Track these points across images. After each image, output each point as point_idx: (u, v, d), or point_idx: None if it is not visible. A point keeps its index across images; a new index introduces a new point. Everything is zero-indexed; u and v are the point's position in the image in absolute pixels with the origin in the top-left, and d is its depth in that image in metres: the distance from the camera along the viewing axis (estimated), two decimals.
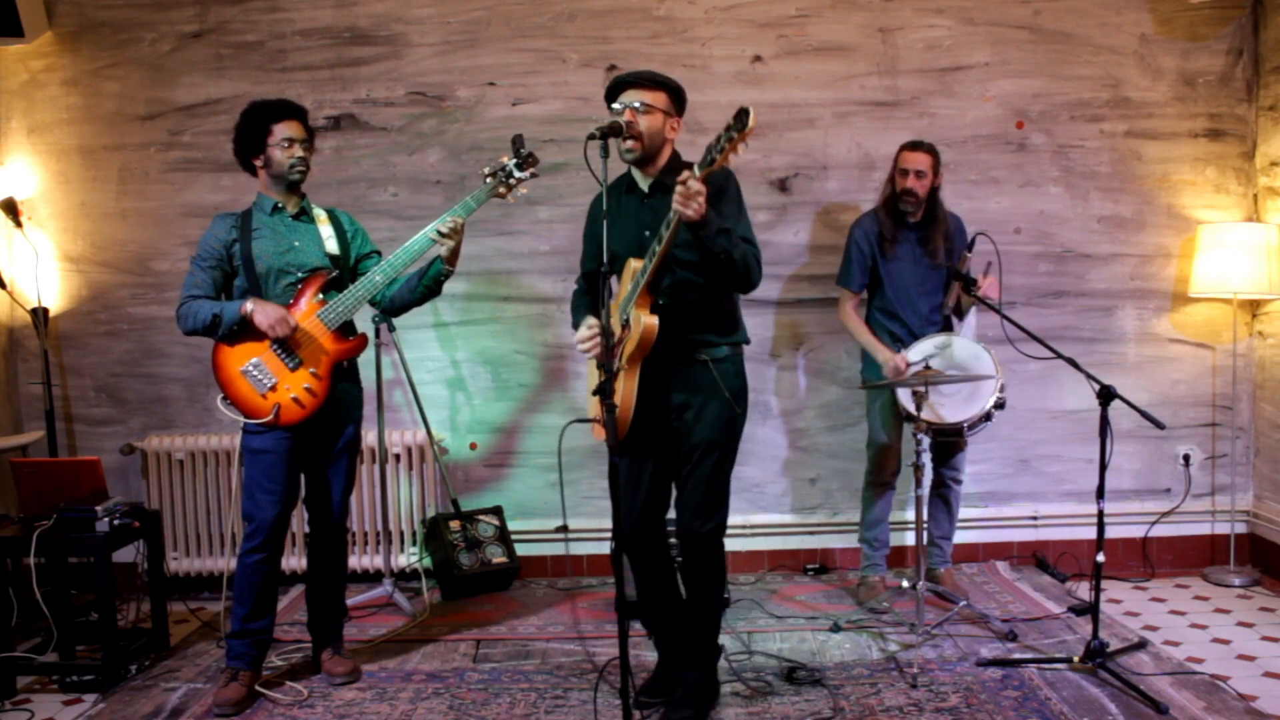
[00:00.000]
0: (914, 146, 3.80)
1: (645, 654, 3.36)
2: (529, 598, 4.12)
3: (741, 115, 2.37)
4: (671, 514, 2.96)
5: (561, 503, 3.16)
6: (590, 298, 3.02)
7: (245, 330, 3.03)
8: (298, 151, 3.10)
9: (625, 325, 2.73)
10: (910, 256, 3.85)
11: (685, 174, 2.52)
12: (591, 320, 2.82)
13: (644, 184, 2.86)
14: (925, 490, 3.53)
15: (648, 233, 2.78)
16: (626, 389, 2.73)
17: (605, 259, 2.65)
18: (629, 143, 2.75)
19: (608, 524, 2.90)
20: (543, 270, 4.32)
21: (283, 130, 3.08)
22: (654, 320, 2.70)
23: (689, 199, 2.51)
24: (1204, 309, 4.39)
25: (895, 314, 3.87)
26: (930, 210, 3.84)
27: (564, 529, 2.91)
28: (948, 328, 3.91)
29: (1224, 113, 4.35)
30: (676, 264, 2.75)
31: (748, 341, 2.96)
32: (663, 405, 2.84)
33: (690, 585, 2.94)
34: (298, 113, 3.14)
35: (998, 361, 3.63)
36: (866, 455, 3.99)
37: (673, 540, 3.03)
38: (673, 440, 2.87)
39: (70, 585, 3.58)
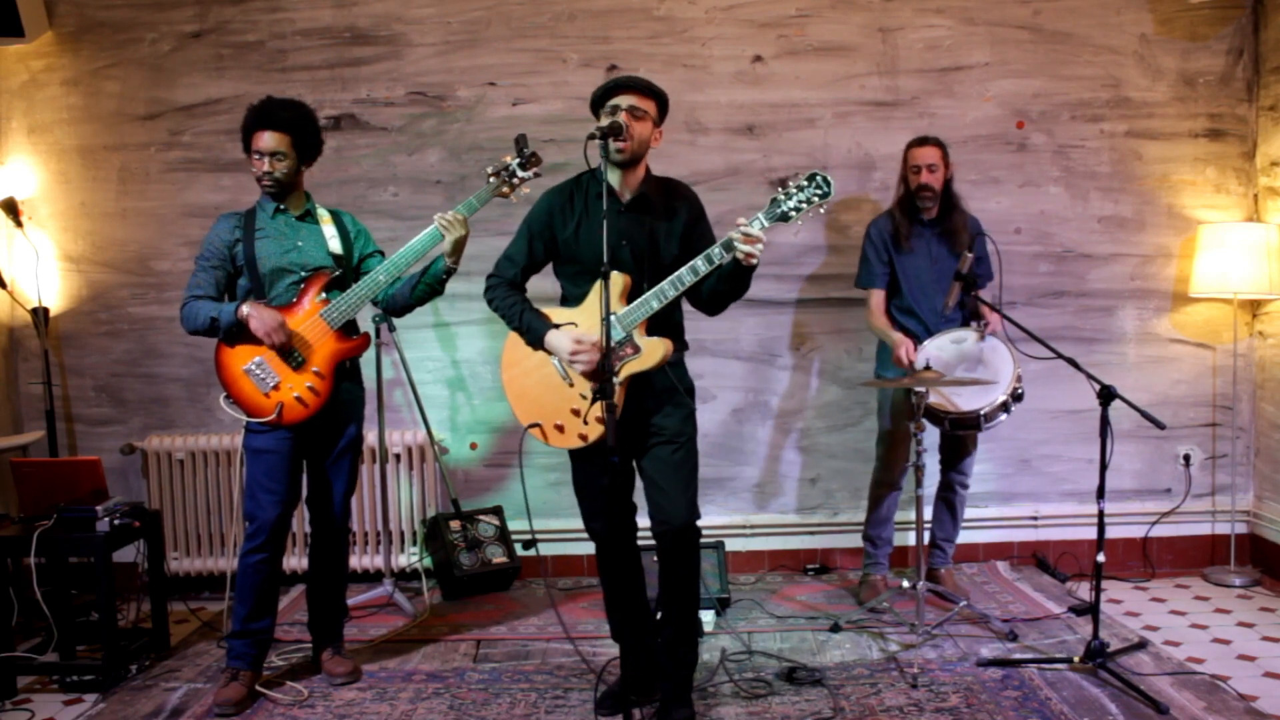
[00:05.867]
0: (920, 142, 3.80)
1: None
2: (529, 598, 4.12)
3: (824, 182, 2.50)
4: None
5: (526, 510, 3.19)
6: (521, 295, 3.03)
7: (246, 331, 3.03)
8: (264, 166, 3.07)
9: (623, 343, 2.74)
10: (926, 254, 3.83)
11: (745, 228, 2.58)
12: (579, 334, 2.78)
13: (625, 193, 2.84)
14: (925, 490, 3.52)
15: (625, 242, 2.79)
16: (618, 402, 2.74)
17: (606, 259, 2.63)
18: (619, 143, 2.72)
19: None
20: (543, 270, 4.30)
21: (256, 141, 3.06)
22: (670, 343, 2.76)
23: (754, 244, 2.60)
24: (1204, 309, 4.39)
25: (912, 311, 3.84)
26: (946, 205, 3.81)
27: (533, 543, 2.93)
28: (967, 324, 3.84)
29: (1224, 113, 4.35)
30: (663, 274, 2.75)
31: (687, 347, 3.00)
32: (629, 411, 2.82)
33: (672, 582, 2.88)
34: (273, 122, 3.04)
35: (1015, 353, 3.59)
36: (876, 453, 3.98)
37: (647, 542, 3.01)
38: (636, 445, 2.87)
39: (70, 585, 3.58)
